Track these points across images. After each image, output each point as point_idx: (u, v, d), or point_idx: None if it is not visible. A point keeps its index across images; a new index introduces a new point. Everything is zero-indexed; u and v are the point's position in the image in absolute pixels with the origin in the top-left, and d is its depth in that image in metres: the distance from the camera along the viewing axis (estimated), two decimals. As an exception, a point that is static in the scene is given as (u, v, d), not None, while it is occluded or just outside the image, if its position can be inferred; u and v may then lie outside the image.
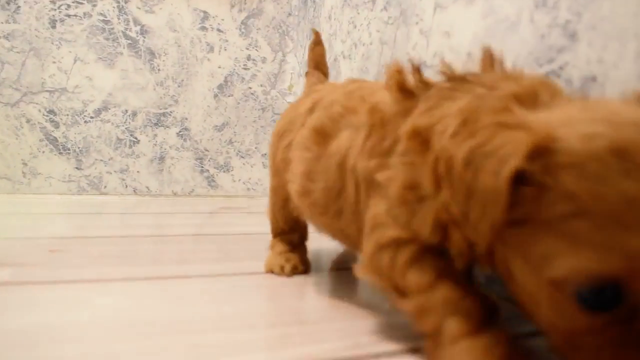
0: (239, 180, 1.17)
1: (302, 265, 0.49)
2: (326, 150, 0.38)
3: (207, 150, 1.07)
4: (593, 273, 0.21)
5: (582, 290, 0.21)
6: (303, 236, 0.54)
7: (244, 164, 1.17)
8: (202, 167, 1.07)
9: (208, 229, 0.72)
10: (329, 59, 0.85)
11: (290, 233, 0.53)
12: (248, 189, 1.21)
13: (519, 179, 0.22)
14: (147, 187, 1.03)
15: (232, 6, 1.07)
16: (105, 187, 1.03)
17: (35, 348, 0.29)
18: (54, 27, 1.00)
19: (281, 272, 0.48)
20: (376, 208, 0.32)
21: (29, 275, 0.43)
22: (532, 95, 0.26)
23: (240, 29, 1.09)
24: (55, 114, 0.99)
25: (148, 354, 0.29)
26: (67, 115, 1.00)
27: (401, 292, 0.30)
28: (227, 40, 1.08)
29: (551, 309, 0.23)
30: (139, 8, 1.03)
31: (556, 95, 0.26)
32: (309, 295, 0.43)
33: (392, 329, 0.34)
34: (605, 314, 0.21)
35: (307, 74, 0.60)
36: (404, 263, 0.30)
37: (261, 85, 1.16)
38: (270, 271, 0.48)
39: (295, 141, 0.44)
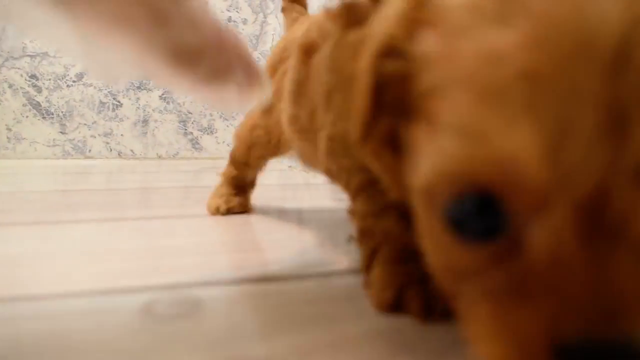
0: (223, 142, 1.22)
1: (242, 209, 0.51)
2: (312, 70, 0.32)
3: (191, 113, 1.12)
4: (454, 176, 0.15)
5: (448, 204, 0.15)
6: (254, 181, 0.55)
7: (227, 125, 1.22)
8: (186, 129, 1.12)
9: (192, 184, 0.77)
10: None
11: (246, 171, 0.53)
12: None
13: (392, 54, 0.17)
14: (132, 150, 1.09)
15: None
16: (89, 150, 1.09)
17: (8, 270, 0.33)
18: None
19: (216, 212, 0.50)
20: None
21: (9, 218, 0.49)
22: None
23: None
24: (37, 79, 1.04)
25: (100, 274, 0.32)
26: (50, 79, 1.05)
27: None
28: (206, 2, 1.09)
29: (426, 238, 0.18)
30: None
31: None
32: (261, 229, 0.47)
33: (339, 254, 0.37)
34: (483, 244, 0.15)
35: (283, 9, 0.54)
36: (354, 190, 0.29)
37: None
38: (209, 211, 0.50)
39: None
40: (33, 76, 1.04)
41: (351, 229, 0.31)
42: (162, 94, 1.08)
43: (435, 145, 0.15)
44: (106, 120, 1.07)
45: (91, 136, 1.07)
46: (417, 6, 0.17)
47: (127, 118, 1.07)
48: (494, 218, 0.14)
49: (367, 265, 0.28)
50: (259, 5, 1.21)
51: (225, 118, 1.23)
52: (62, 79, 1.05)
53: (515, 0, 0.14)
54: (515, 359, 0.14)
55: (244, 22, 1.19)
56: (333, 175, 0.33)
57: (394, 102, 0.17)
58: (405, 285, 0.25)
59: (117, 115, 1.06)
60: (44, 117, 1.05)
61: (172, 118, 1.10)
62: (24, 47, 1.03)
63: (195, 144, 1.16)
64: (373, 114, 0.18)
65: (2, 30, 1.00)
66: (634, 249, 0.12)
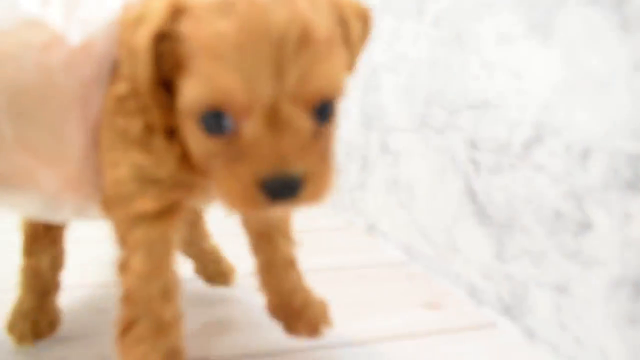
0: None
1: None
2: None
3: None
4: (197, 100, 0.28)
5: (196, 116, 0.29)
6: None
7: None
8: None
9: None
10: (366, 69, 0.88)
11: None
12: None
13: (165, 37, 0.29)
14: None
15: None
16: None
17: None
18: None
19: None
20: None
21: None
22: None
23: None
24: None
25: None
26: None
27: None
28: None
29: (190, 140, 0.31)
30: None
31: None
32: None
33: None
34: (220, 137, 0.29)
35: None
36: (133, 240, 0.38)
37: None
38: None
39: None
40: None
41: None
42: None
43: (191, 86, 0.28)
44: None
45: None
46: (174, 3, 0.29)
47: None
48: (223, 122, 0.28)
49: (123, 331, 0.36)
50: None
51: None
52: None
53: (229, 3, 0.27)
54: (239, 191, 0.28)
55: None
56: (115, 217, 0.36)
57: (166, 64, 0.30)
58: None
59: None
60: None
61: None
62: None
63: None
64: (153, 76, 0.30)
65: None
66: (292, 132, 0.28)
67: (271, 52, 0.27)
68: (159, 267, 0.36)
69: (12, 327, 0.48)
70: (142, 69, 0.30)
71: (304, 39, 0.27)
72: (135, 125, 0.33)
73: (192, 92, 0.28)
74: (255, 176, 0.28)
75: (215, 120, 0.29)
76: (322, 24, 0.28)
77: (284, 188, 0.28)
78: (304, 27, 0.27)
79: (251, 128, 0.28)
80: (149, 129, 0.33)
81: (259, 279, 0.47)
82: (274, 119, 0.28)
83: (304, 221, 0.94)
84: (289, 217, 0.46)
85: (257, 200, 0.28)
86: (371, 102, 0.87)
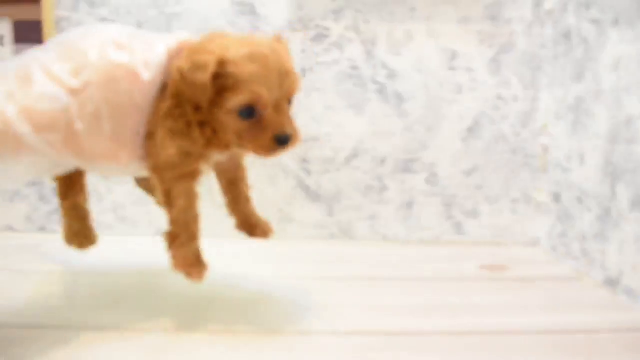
0: (486, 226, 1.16)
1: None
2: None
3: (455, 196, 1.16)
4: (245, 102, 0.57)
5: (239, 110, 0.58)
6: None
7: (492, 209, 1.14)
8: (450, 213, 1.17)
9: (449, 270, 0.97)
10: (616, 117, 0.87)
11: None
12: (495, 235, 1.16)
13: (217, 76, 0.56)
14: (396, 234, 1.17)
15: (482, 42, 1.11)
16: (354, 233, 1.17)
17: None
18: (304, 76, 1.11)
19: None
20: None
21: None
22: (217, 36, 0.61)
23: (489, 66, 1.12)
24: (308, 162, 1.14)
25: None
26: (319, 163, 1.14)
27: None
28: (475, 80, 1.12)
29: (230, 124, 0.59)
30: (387, 51, 1.11)
31: (227, 35, 0.61)
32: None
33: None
34: (250, 120, 0.58)
35: None
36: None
37: (512, 126, 1.13)
38: None
39: None
40: (304, 160, 1.14)
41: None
42: (427, 177, 1.15)
43: (238, 96, 0.58)
44: (372, 204, 1.16)
45: (357, 219, 1.16)
46: (228, 55, 0.57)
47: (393, 201, 1.16)
48: (253, 112, 0.58)
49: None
50: (530, 81, 1.12)
51: (490, 202, 1.14)
52: (332, 162, 1.14)
53: (254, 56, 0.58)
54: (264, 144, 0.59)
55: (515, 99, 1.13)
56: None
57: (217, 90, 0.57)
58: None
59: (382, 199, 1.16)
60: (313, 200, 1.19)
61: (436, 201, 1.16)
62: None
63: (458, 228, 1.18)
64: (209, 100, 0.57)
65: None
66: (285, 114, 0.60)
67: (275, 78, 0.58)
68: (192, 204, 0.64)
69: (71, 241, 0.74)
70: (203, 95, 0.57)
71: (286, 72, 0.59)
72: (180, 124, 0.59)
73: (238, 98, 0.57)
74: (272, 135, 0.59)
75: (249, 111, 0.58)
76: (291, 64, 0.61)
77: (284, 140, 0.59)
78: (286, 67, 0.59)
79: (269, 113, 0.59)
80: (188, 125, 0.60)
81: (229, 208, 0.76)
82: (277, 108, 0.59)
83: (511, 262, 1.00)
84: (246, 172, 0.75)
85: (273, 147, 0.59)
86: (621, 152, 0.88)
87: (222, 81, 0.57)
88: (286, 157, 1.15)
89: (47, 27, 1.11)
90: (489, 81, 1.13)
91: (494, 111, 1.14)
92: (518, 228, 1.18)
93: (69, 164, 0.61)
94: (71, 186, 0.72)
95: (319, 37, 1.13)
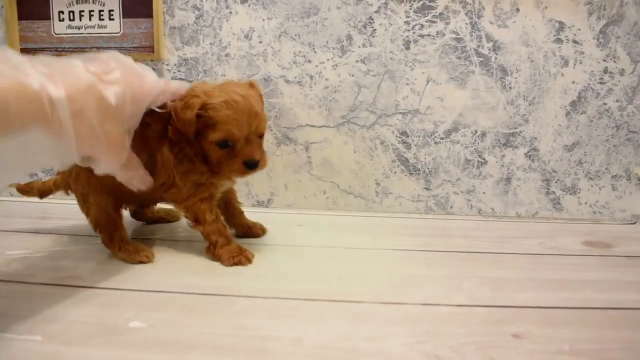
0: (585, 203, 1.15)
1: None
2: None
3: (555, 172, 1.18)
4: (221, 138, 0.79)
5: (217, 142, 0.80)
6: None
7: (592, 185, 1.14)
8: (549, 188, 1.19)
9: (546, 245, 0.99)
10: None
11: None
12: (594, 212, 1.16)
13: (199, 116, 0.78)
14: (492, 209, 1.21)
15: (590, 14, 1.11)
16: (451, 207, 1.21)
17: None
18: (407, 48, 1.15)
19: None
20: None
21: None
22: (200, 85, 0.83)
23: (597, 39, 1.12)
24: (407, 135, 1.18)
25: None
26: (419, 136, 1.18)
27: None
28: (582, 52, 1.13)
29: (211, 151, 0.82)
30: (492, 23, 1.13)
31: (213, 86, 0.82)
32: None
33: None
34: (226, 149, 0.81)
35: None
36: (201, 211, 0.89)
37: (617, 101, 1.13)
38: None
39: None
40: (403, 133, 1.19)
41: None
42: (528, 152, 1.17)
43: (216, 133, 0.80)
44: (470, 178, 1.19)
45: (454, 193, 1.20)
46: (208, 101, 0.79)
47: (491, 176, 1.19)
48: (227, 144, 0.81)
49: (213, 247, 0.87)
50: (638, 54, 1.11)
51: (590, 177, 1.15)
52: (431, 135, 1.18)
53: (230, 102, 0.79)
54: (235, 168, 0.82)
55: (621, 72, 1.13)
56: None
57: (201, 125, 0.80)
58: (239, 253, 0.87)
59: (480, 173, 1.19)
60: (410, 173, 1.19)
61: (536, 176, 1.18)
62: (396, 104, 1.17)
63: (556, 204, 1.20)
64: (194, 132, 0.80)
65: (377, 88, 1.17)
66: (254, 145, 0.82)
67: (246, 119, 0.79)
68: (218, 217, 0.89)
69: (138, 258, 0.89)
70: (190, 129, 0.79)
71: (255, 114, 0.79)
72: (187, 165, 0.85)
73: (216, 134, 0.79)
74: (241, 161, 0.81)
75: (225, 143, 0.80)
76: (259, 107, 0.82)
77: (252, 165, 0.81)
78: (255, 110, 0.80)
79: (240, 145, 0.80)
80: (192, 162, 0.85)
81: (229, 222, 0.98)
82: (247, 141, 0.81)
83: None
84: (235, 192, 1.00)
85: (243, 170, 0.81)
86: None
87: (205, 120, 0.80)
88: (386, 130, 1.20)
89: (156, 2, 1.17)
90: (595, 54, 1.13)
91: (600, 85, 1.15)
92: (618, 205, 1.19)
93: (70, 155, 0.67)
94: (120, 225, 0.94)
95: (424, 9, 1.15)
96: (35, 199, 1.01)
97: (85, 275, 0.82)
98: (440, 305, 0.73)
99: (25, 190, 1.03)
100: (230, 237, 0.90)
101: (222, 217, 0.91)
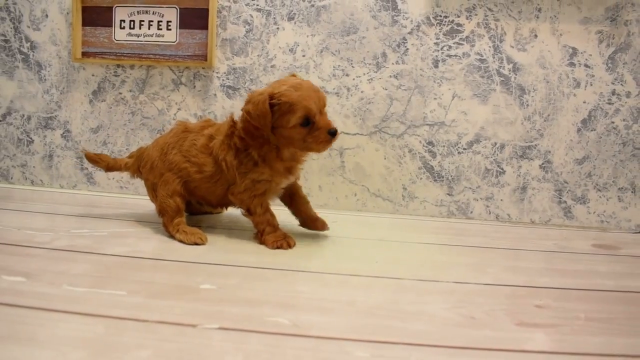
0: (594, 212, 1.28)
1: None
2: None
3: (567, 183, 1.30)
4: (302, 116, 0.92)
5: (300, 122, 0.93)
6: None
7: (600, 196, 1.28)
8: (560, 198, 1.31)
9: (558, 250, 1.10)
10: None
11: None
12: (602, 221, 1.29)
13: (272, 105, 0.93)
14: (508, 215, 1.32)
15: (600, 42, 1.25)
16: (471, 212, 1.33)
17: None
18: (436, 66, 1.30)
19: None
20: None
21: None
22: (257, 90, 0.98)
23: (606, 64, 1.25)
24: (433, 145, 1.32)
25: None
26: (444, 146, 1.31)
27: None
28: (593, 76, 1.26)
29: (295, 135, 0.95)
30: (512, 47, 1.27)
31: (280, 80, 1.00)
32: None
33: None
34: (308, 127, 0.94)
35: None
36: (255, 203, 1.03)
37: (623, 120, 1.27)
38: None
39: None
40: (430, 142, 1.31)
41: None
42: (542, 164, 1.29)
43: (296, 114, 0.93)
44: (489, 186, 1.31)
45: (474, 199, 1.32)
46: (274, 91, 0.95)
47: (508, 184, 1.31)
48: (308, 121, 0.94)
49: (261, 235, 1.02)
50: None
51: (598, 189, 1.28)
52: (455, 146, 1.30)
53: (296, 86, 0.95)
54: (322, 139, 0.95)
55: (627, 95, 1.26)
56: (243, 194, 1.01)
57: (277, 117, 0.95)
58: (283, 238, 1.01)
59: (499, 182, 1.31)
60: (435, 180, 1.32)
61: (549, 186, 1.30)
62: (424, 117, 1.31)
63: (567, 212, 1.32)
64: (271, 124, 0.95)
65: (408, 101, 1.31)
66: (326, 118, 0.97)
67: (314, 95, 0.94)
68: (267, 210, 1.01)
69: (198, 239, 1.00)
70: (267, 121, 0.94)
71: (317, 89, 0.96)
72: (249, 166, 0.99)
73: (297, 114, 0.92)
74: (325, 131, 0.94)
75: (306, 121, 0.93)
76: (317, 87, 0.98)
77: (334, 132, 0.95)
78: (315, 88, 0.96)
79: (318, 119, 0.94)
80: (255, 164, 0.99)
81: (294, 212, 1.09)
82: (321, 115, 0.95)
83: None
84: (299, 187, 1.10)
85: (329, 139, 0.95)
86: None
87: (281, 107, 0.92)
88: (414, 140, 1.33)
89: (211, 16, 1.32)
90: (604, 77, 1.27)
91: (608, 105, 1.28)
92: (624, 215, 1.31)
93: None
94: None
95: (452, 32, 1.29)
96: (83, 190, 1.08)
97: (150, 250, 0.94)
98: (470, 283, 0.85)
99: (95, 159, 1.14)
100: (277, 226, 1.02)
101: (271, 209, 1.04)
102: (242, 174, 0.99)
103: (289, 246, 0.98)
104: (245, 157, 0.99)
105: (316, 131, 0.94)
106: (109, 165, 1.13)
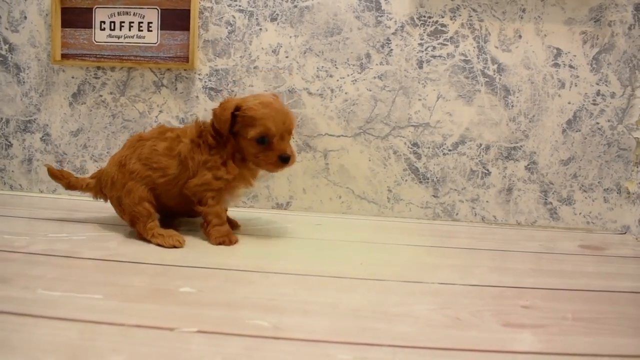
0: (580, 213, 1.28)
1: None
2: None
3: (552, 184, 1.30)
4: (258, 133, 0.96)
5: (256, 138, 0.97)
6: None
7: (585, 197, 1.28)
8: (546, 199, 1.31)
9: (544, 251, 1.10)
10: None
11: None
12: (588, 222, 1.28)
13: (236, 116, 0.98)
14: (494, 216, 1.32)
15: (585, 42, 1.25)
16: (457, 214, 1.33)
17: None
18: (421, 67, 1.29)
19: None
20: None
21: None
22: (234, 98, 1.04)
23: (591, 65, 1.26)
24: (418, 147, 1.31)
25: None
26: (429, 147, 1.31)
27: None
28: (577, 76, 1.27)
29: (250, 148, 0.99)
30: (497, 47, 1.27)
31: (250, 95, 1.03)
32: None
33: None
34: (263, 145, 0.98)
35: None
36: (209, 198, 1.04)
37: (608, 121, 1.27)
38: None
39: None
40: (415, 144, 1.31)
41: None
42: (527, 165, 1.29)
43: (255, 129, 0.97)
44: (474, 187, 1.31)
45: (459, 201, 1.31)
46: (243, 102, 0.99)
47: (494, 186, 1.31)
48: (265, 140, 0.98)
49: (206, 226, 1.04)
50: (627, 79, 1.26)
51: (584, 190, 1.28)
52: (440, 147, 1.30)
53: (265, 103, 0.98)
54: (271, 162, 0.99)
55: (612, 95, 1.27)
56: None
57: (241, 125, 0.99)
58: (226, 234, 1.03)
59: (484, 183, 1.31)
60: (420, 182, 1.32)
61: (534, 188, 1.30)
62: (409, 118, 1.31)
63: (553, 213, 1.32)
64: (229, 130, 0.99)
65: (392, 102, 1.31)
66: (286, 142, 1.00)
67: (280, 117, 0.97)
68: (219, 204, 1.02)
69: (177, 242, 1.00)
70: (225, 126, 0.98)
71: (286, 112, 0.99)
72: (217, 161, 1.01)
73: (256, 130, 0.96)
74: (277, 155, 0.97)
75: (262, 139, 0.97)
76: (288, 109, 1.01)
77: (286, 159, 0.98)
78: (286, 109, 1.00)
79: (275, 141, 0.97)
80: (223, 162, 1.01)
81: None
82: (281, 138, 0.98)
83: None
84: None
85: (278, 163, 0.98)
86: None
87: (244, 119, 0.97)
88: (399, 141, 1.32)
89: (192, 17, 1.30)
90: (589, 78, 1.27)
91: (593, 106, 1.28)
92: (609, 216, 1.32)
93: None
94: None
95: (436, 33, 1.29)
96: (63, 194, 1.06)
97: (130, 254, 0.92)
98: (455, 284, 0.84)
99: (57, 176, 1.11)
100: (225, 221, 1.05)
101: (223, 205, 1.05)
102: (207, 169, 1.01)
103: (231, 243, 1.01)
104: (215, 154, 1.01)
105: (270, 152, 0.99)
106: (70, 184, 1.10)
